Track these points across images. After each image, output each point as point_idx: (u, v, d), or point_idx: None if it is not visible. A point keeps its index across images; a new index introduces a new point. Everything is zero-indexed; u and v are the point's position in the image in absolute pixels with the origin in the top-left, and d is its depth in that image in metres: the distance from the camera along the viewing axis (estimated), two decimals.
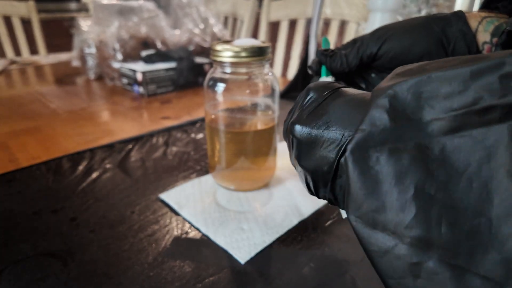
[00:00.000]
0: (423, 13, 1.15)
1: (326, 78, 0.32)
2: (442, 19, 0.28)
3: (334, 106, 0.18)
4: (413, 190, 0.12)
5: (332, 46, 0.34)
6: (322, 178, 0.18)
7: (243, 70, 0.36)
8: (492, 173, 0.11)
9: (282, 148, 0.52)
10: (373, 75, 0.33)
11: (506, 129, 0.11)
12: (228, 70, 0.36)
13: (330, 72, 0.33)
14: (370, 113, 0.14)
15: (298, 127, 0.19)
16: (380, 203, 0.13)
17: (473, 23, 0.27)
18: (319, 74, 0.33)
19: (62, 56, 1.53)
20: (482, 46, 0.27)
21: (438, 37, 0.28)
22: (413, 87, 0.13)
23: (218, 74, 0.37)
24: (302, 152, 0.19)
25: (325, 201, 0.39)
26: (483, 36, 0.27)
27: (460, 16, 0.28)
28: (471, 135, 0.11)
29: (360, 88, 0.34)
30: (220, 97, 0.37)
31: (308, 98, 0.19)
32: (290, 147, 0.20)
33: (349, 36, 0.95)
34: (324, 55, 0.32)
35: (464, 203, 0.11)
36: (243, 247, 0.32)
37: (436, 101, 0.12)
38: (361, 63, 0.31)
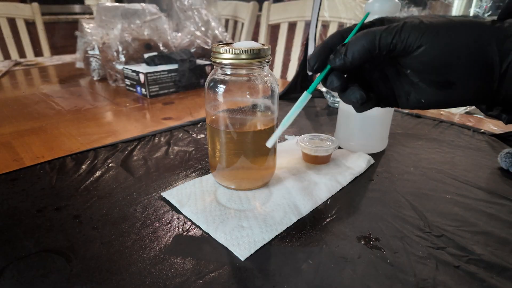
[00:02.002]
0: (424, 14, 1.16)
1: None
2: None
3: None
4: None
5: None
6: None
7: (243, 71, 0.36)
8: None
9: (281, 148, 0.53)
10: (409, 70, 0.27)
11: None
12: (228, 71, 0.36)
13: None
14: None
15: None
16: None
17: None
18: (319, 71, 0.29)
19: (66, 58, 1.55)
20: None
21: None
22: None
23: (218, 75, 0.37)
24: None
25: (323, 200, 0.40)
26: None
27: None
28: None
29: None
30: (220, 98, 0.38)
31: None
32: None
33: None
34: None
35: None
36: (243, 244, 0.32)
37: None
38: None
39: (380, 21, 0.28)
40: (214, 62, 0.37)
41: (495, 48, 0.23)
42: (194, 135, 0.60)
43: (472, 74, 0.25)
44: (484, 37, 0.23)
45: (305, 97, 0.29)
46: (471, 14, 1.14)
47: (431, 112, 0.74)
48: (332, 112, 0.74)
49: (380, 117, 0.50)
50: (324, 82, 0.29)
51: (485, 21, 0.24)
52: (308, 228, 0.35)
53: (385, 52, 0.25)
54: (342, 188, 0.43)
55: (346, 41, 0.27)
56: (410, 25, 0.24)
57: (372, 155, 0.51)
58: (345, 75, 0.29)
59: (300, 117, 0.71)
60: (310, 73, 0.83)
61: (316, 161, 0.47)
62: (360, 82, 0.29)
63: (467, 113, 0.76)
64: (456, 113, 0.76)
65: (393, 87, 0.30)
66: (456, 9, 1.21)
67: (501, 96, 0.25)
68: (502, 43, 0.23)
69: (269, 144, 0.31)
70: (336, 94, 0.57)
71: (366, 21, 0.29)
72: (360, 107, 0.29)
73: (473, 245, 0.33)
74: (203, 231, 0.35)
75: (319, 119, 0.70)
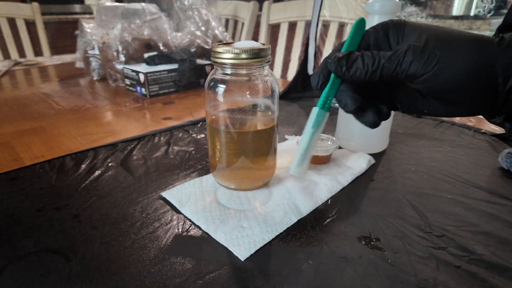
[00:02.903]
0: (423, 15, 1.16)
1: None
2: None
3: None
4: None
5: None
6: None
7: (243, 71, 0.36)
8: None
9: (281, 148, 0.53)
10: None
11: None
12: (228, 71, 0.36)
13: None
14: None
15: None
16: None
17: None
18: (323, 88, 0.27)
19: (66, 58, 1.54)
20: None
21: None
22: None
23: (218, 75, 0.37)
24: None
25: (324, 200, 0.40)
26: None
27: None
28: None
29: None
30: (220, 98, 0.37)
31: None
32: None
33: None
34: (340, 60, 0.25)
35: None
36: (243, 244, 0.32)
37: None
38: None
39: (384, 32, 0.27)
40: (214, 61, 0.36)
41: (499, 70, 0.23)
42: (194, 135, 0.60)
43: (476, 95, 0.24)
44: (490, 60, 0.23)
45: (321, 115, 0.28)
46: (472, 13, 1.14)
47: None
48: (332, 112, 0.74)
49: None
50: (339, 103, 0.28)
51: (491, 41, 0.23)
52: (308, 228, 0.35)
53: (388, 79, 0.25)
54: (343, 188, 0.43)
55: (344, 47, 0.27)
56: (411, 53, 0.24)
57: (373, 155, 0.51)
58: (360, 95, 0.27)
59: (300, 117, 0.71)
60: (311, 73, 0.83)
61: (316, 161, 0.47)
62: (362, 89, 0.28)
63: None
64: None
65: (397, 96, 0.29)
66: (457, 9, 1.20)
67: (506, 109, 0.25)
68: (507, 67, 0.23)
69: (292, 171, 0.30)
70: None
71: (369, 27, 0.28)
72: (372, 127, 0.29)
73: (474, 245, 0.33)
74: (203, 231, 0.35)
75: None
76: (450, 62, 0.23)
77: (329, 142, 0.49)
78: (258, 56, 0.35)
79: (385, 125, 0.52)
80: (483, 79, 0.23)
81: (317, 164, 0.48)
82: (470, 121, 0.69)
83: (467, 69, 0.23)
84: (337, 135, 0.56)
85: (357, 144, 0.52)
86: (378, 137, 0.53)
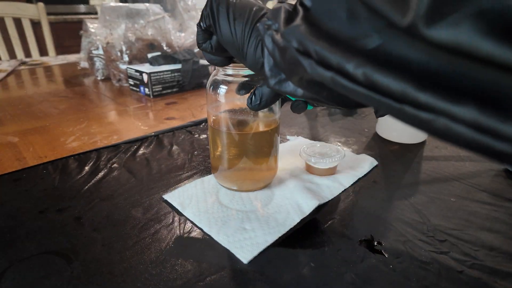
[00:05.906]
0: None
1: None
2: None
3: None
4: None
5: None
6: None
7: (245, 72, 0.36)
8: None
9: (283, 148, 0.53)
10: None
11: None
12: (230, 72, 0.36)
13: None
14: None
15: None
16: None
17: None
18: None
19: (71, 57, 1.55)
20: None
21: None
22: None
23: (220, 76, 0.37)
24: None
25: (327, 200, 0.40)
26: None
27: None
28: None
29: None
30: (222, 99, 0.37)
31: None
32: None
33: None
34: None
35: None
36: (245, 246, 0.32)
37: None
38: None
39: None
40: None
41: None
42: (197, 136, 0.60)
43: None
44: None
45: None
46: None
47: None
48: (334, 112, 0.74)
49: None
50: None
51: None
52: (310, 231, 0.35)
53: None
54: (345, 190, 0.42)
55: None
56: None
57: (378, 157, 0.51)
58: None
59: (301, 117, 0.70)
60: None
61: (322, 173, 0.45)
62: None
63: None
64: None
65: None
66: None
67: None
68: None
69: None
70: None
71: None
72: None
73: (477, 250, 0.32)
74: (205, 233, 0.35)
75: (320, 119, 0.70)
76: None
77: (333, 154, 0.46)
78: None
79: None
80: None
81: (323, 176, 0.46)
82: None
83: None
84: (378, 128, 0.61)
85: (399, 135, 0.57)
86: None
